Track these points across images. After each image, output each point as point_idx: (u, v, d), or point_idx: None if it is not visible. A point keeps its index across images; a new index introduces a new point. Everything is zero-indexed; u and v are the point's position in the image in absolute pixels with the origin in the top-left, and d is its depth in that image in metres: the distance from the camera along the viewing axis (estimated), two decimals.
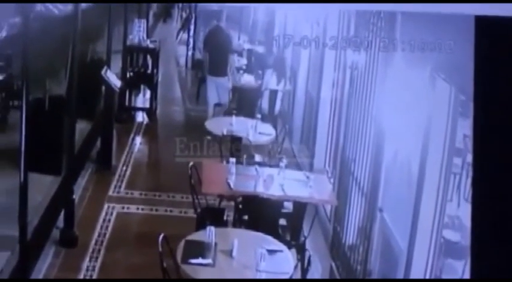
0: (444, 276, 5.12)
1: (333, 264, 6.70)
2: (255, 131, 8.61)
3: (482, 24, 2.68)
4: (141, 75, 12.11)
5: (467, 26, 2.96)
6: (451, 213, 5.27)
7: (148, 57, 12.35)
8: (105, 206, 8.08)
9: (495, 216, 2.56)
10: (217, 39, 11.07)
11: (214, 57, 10.97)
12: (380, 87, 5.66)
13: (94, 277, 6.46)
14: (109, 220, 7.75)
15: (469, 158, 6.20)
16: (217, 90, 10.85)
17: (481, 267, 2.56)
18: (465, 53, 3.14)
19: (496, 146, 2.68)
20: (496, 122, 2.67)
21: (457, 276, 5.28)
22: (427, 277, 4.45)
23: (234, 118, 8.99)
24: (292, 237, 6.52)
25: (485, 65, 2.59)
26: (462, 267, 5.26)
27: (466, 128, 4.61)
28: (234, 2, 15.95)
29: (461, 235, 5.45)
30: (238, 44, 14.05)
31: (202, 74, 13.53)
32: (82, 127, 8.31)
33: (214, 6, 16.50)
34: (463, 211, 5.78)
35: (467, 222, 5.31)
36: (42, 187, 6.62)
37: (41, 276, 6.28)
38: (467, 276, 3.89)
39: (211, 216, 6.58)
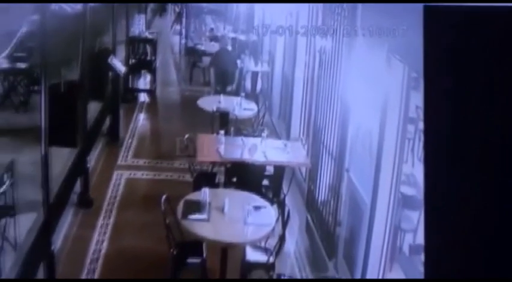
0: (402, 225, 5.18)
1: (309, 217, 6.75)
2: (240, 107, 8.60)
3: (431, 13, 2.68)
4: (142, 61, 12.05)
5: (417, 13, 2.95)
6: (406, 172, 5.33)
7: (148, 46, 12.28)
8: (115, 173, 8.07)
9: (444, 171, 2.57)
10: (223, 59, 10.92)
11: (220, 75, 10.86)
12: (345, 67, 5.65)
13: (108, 234, 6.47)
14: (119, 184, 7.74)
15: (421, 125, 6.23)
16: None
17: (433, 215, 2.57)
18: (416, 36, 3.14)
19: (444, 114, 2.68)
20: (443, 93, 2.68)
21: (413, 225, 5.35)
22: (388, 226, 4.49)
23: (222, 97, 8.97)
24: (274, 195, 6.56)
25: (432, 47, 2.58)
26: (417, 216, 5.34)
27: (417, 100, 4.63)
28: (220, 2, 15.86)
29: (416, 190, 5.51)
30: (224, 33, 13.96)
31: (194, 60, 13.49)
32: (93, 107, 8.24)
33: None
34: (416, 170, 5.85)
35: (420, 179, 5.36)
36: (61, 158, 6.58)
37: (62, 233, 6.28)
38: (421, 225, 3.92)
39: (205, 179, 6.59)
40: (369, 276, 4.59)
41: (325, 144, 6.42)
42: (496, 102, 2.21)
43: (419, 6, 2.94)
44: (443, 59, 2.62)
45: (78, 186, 7.01)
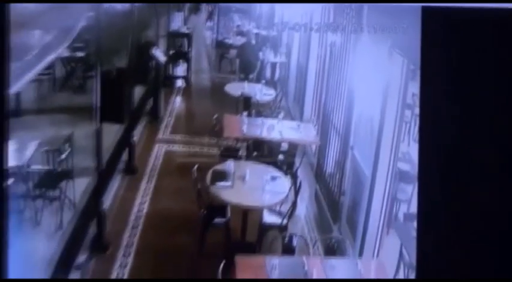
0: (398, 196, 5.09)
1: (317, 187, 6.68)
2: (260, 92, 8.50)
3: (428, 13, 2.58)
4: (179, 52, 11.97)
5: (416, 14, 2.83)
6: (403, 150, 5.23)
7: (185, 39, 12.19)
8: (156, 146, 8.05)
9: (436, 151, 2.47)
10: (248, 51, 10.76)
11: (244, 64, 10.74)
12: (351, 59, 5.52)
13: (149, 196, 6.47)
14: (159, 155, 7.73)
15: (416, 110, 6.07)
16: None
17: (425, 189, 2.48)
18: (415, 33, 3.03)
19: (437, 101, 2.58)
20: (436, 84, 2.58)
21: (408, 196, 5.25)
22: (386, 196, 4.41)
23: (245, 83, 8.89)
24: (288, 168, 6.49)
25: (429, 45, 2.49)
26: (411, 189, 5.25)
27: (414, 88, 4.51)
28: (243, 2, 15.67)
29: (410, 166, 5.41)
30: (249, 29, 13.78)
31: (222, 51, 13.39)
32: (138, 90, 8.22)
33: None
34: (412, 149, 5.75)
35: (415, 156, 5.24)
36: (111, 133, 6.58)
37: (111, 195, 6.28)
38: (415, 196, 3.85)
39: (230, 153, 6.55)
40: (368, 238, 4.52)
41: (333, 124, 6.32)
42: (489, 96, 2.09)
43: (418, 7, 2.81)
44: (439, 55, 2.50)
45: (125, 156, 7.01)
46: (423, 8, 2.63)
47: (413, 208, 4.98)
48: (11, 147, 5.15)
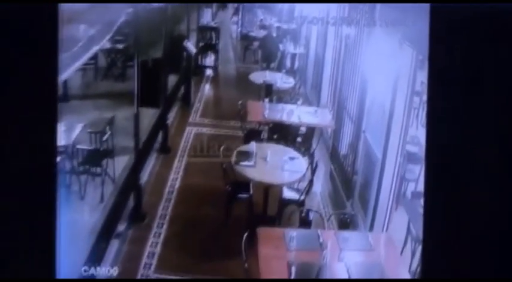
0: (406, 176, 5.03)
1: (332, 167, 6.65)
2: (281, 80, 8.45)
3: (436, 11, 2.54)
4: (208, 45, 11.95)
5: (424, 9, 2.78)
6: (411, 134, 5.15)
7: (213, 33, 12.15)
8: (187, 128, 8.10)
9: (442, 134, 2.45)
10: (269, 43, 10.68)
11: (266, 55, 10.68)
12: (364, 50, 5.43)
13: (180, 173, 6.53)
14: (189, 137, 7.78)
15: (424, 97, 5.95)
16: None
17: (432, 169, 2.45)
18: (423, 26, 2.97)
19: (444, 89, 2.54)
20: (443, 72, 2.54)
21: (415, 176, 5.19)
22: (395, 176, 4.36)
23: (267, 72, 8.85)
24: (305, 149, 6.46)
25: (436, 37, 2.45)
26: (419, 169, 5.19)
27: (422, 77, 4.42)
28: (264, 2, 15.52)
29: (418, 148, 5.34)
30: (271, 23, 13.65)
31: (247, 43, 13.32)
32: (172, 78, 8.25)
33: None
34: (420, 132, 5.66)
35: (422, 139, 5.17)
36: (148, 116, 6.64)
37: (148, 171, 6.37)
38: (422, 176, 3.78)
39: (253, 135, 6.55)
40: (378, 213, 4.50)
41: (347, 110, 6.26)
42: (492, 91, 2.04)
43: (427, 5, 2.75)
44: (446, 51, 2.45)
45: (159, 137, 7.07)
46: (432, 7, 2.59)
47: (420, 187, 4.93)
48: (60, 128, 5.25)
